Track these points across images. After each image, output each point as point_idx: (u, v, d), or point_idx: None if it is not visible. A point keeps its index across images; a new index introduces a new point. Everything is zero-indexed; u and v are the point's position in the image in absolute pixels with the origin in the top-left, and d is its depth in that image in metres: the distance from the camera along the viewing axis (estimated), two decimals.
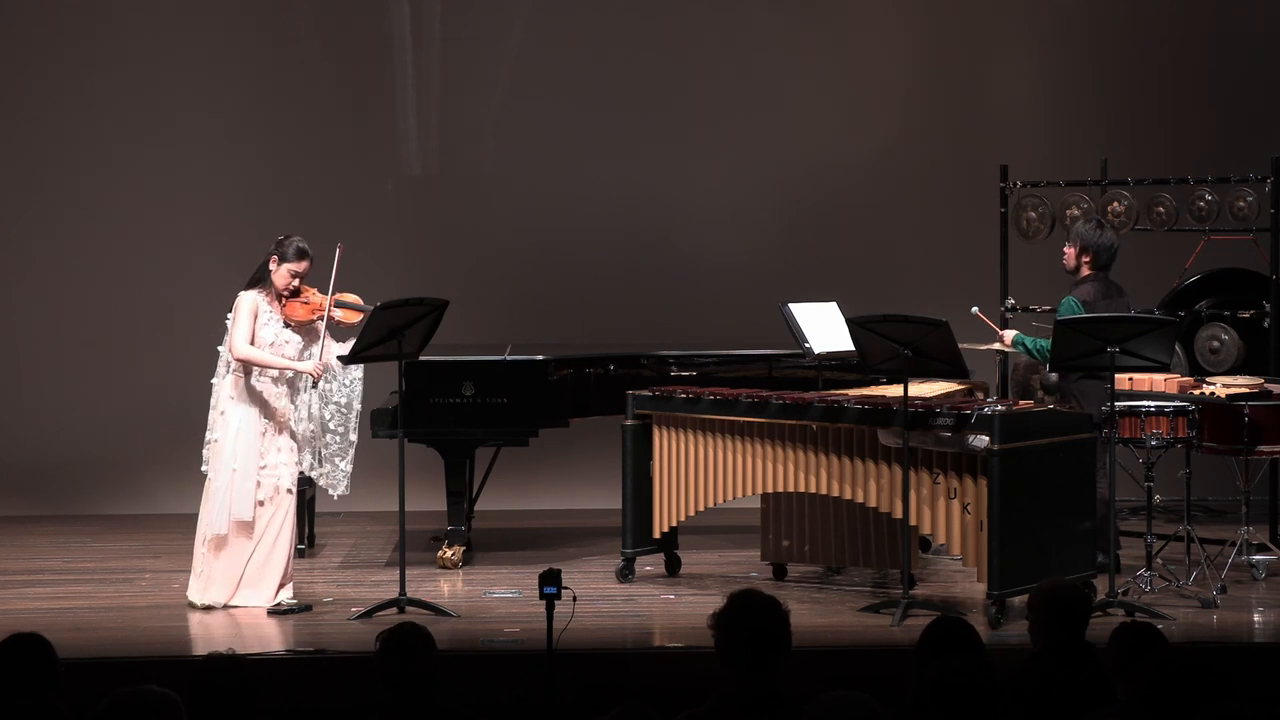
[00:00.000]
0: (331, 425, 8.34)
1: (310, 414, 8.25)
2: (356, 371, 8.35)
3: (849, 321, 8.14)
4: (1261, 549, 8.88)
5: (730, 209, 11.40)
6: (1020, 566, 7.61)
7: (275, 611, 8.01)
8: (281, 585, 8.08)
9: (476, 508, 9.85)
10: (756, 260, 11.25)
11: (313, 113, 11.24)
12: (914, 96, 11.55)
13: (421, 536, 9.54)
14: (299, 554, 9.37)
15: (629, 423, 8.75)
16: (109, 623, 7.91)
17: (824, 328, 8.92)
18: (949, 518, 7.78)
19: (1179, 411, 8.29)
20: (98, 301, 11.11)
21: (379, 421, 9.16)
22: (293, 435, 8.17)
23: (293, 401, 8.18)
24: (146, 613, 8.10)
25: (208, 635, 7.66)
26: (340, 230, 11.00)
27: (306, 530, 9.56)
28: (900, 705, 4.37)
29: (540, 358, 9.21)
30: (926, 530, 7.93)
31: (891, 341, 7.81)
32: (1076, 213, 9.84)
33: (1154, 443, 8.23)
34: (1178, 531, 8.66)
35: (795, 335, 8.90)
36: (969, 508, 7.71)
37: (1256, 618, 8.04)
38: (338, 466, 8.35)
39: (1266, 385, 8.73)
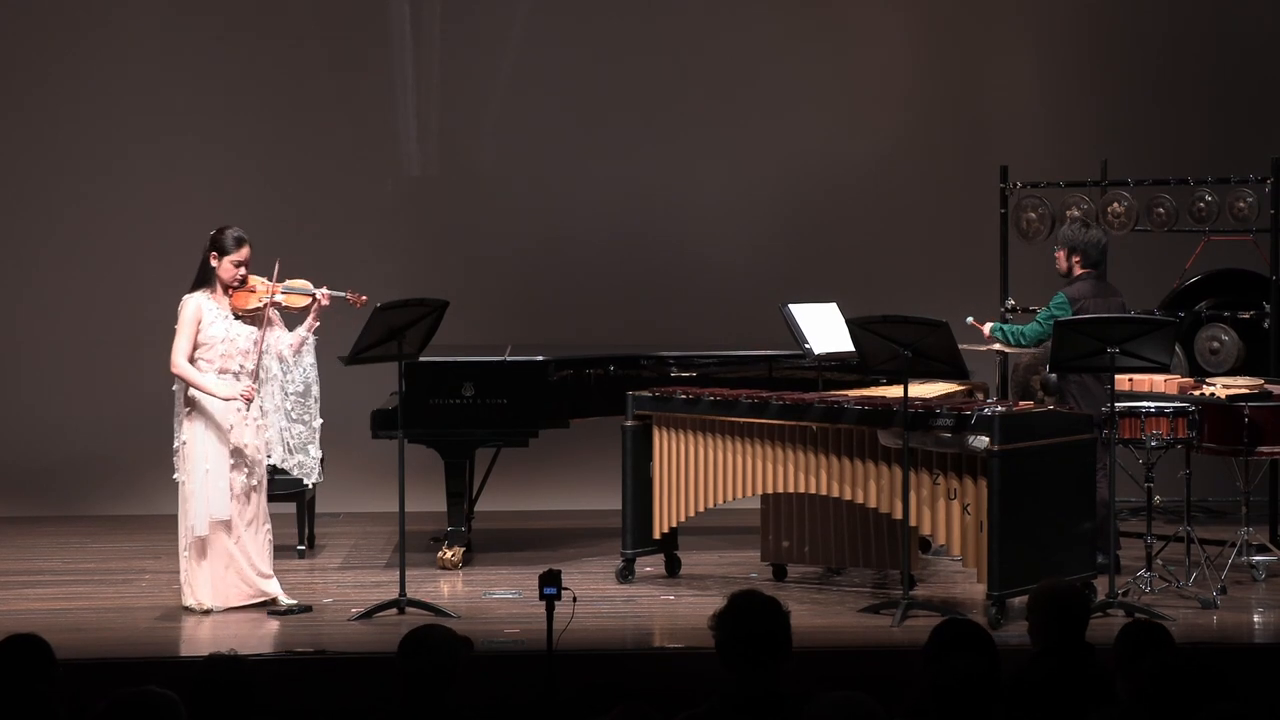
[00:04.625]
0: (294, 415, 8.25)
1: (274, 405, 8.20)
2: (309, 356, 8.25)
3: (849, 322, 8.14)
4: (1261, 550, 8.89)
5: (730, 209, 11.40)
6: (1020, 567, 7.61)
7: (275, 612, 8.01)
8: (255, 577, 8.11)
9: (476, 508, 9.86)
10: (756, 260, 11.25)
11: (312, 113, 11.23)
12: (914, 97, 11.55)
13: (421, 537, 9.54)
14: (299, 554, 9.40)
15: (629, 423, 8.75)
16: (109, 623, 7.92)
17: (824, 328, 8.92)
18: (949, 518, 7.78)
19: (1179, 412, 8.28)
20: (98, 302, 11.10)
21: (379, 422, 9.16)
22: (257, 430, 8.14)
23: (258, 395, 8.13)
24: (146, 613, 8.11)
25: (208, 636, 7.66)
26: (340, 230, 11.08)
27: (306, 530, 9.56)
28: (900, 705, 4.38)
29: (540, 358, 9.21)
30: (926, 531, 7.93)
31: (891, 342, 7.81)
32: (1076, 213, 9.83)
33: (1154, 443, 8.23)
34: (1178, 532, 8.66)
35: (795, 336, 8.90)
36: (969, 508, 7.71)
37: (1256, 618, 8.04)
38: (309, 455, 8.24)
39: (1266, 386, 8.73)
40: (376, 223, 11.25)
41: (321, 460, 8.38)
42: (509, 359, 9.18)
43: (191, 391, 8.06)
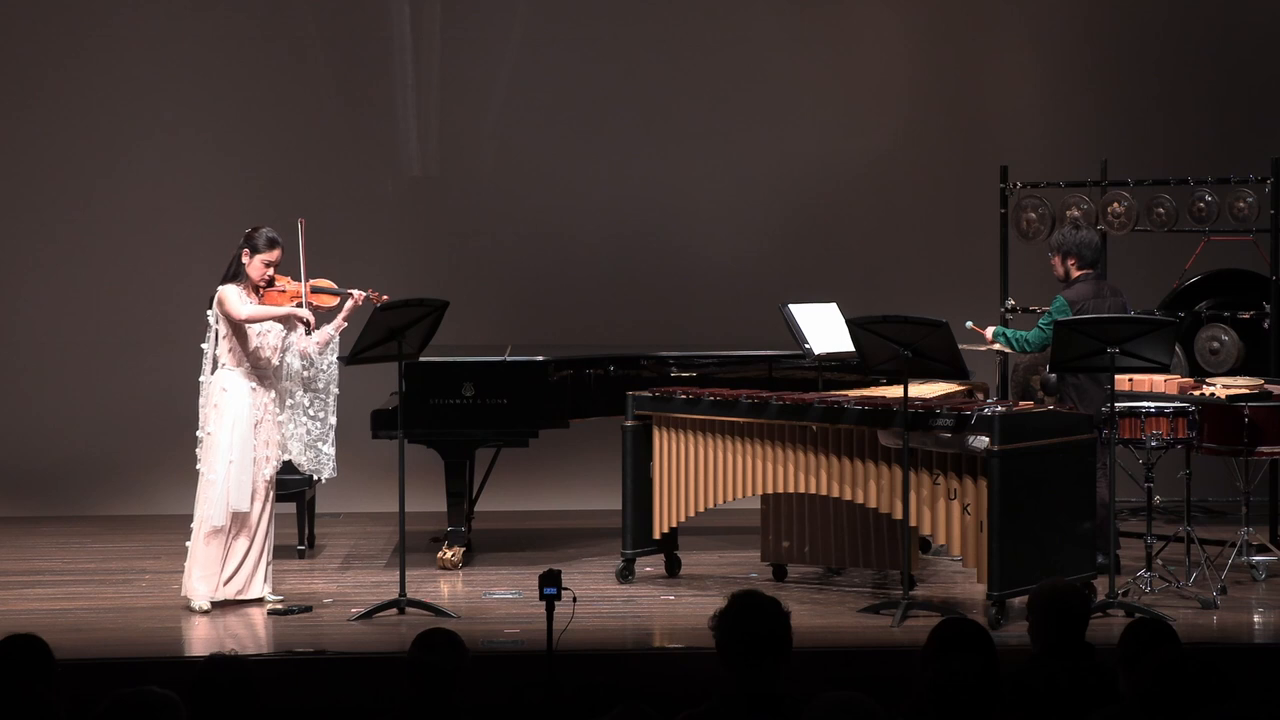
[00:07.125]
0: (311, 411, 8.28)
1: (294, 401, 8.24)
2: (332, 354, 8.30)
3: (849, 322, 8.14)
4: (1261, 550, 8.89)
5: (730, 209, 11.39)
6: (1020, 567, 7.61)
7: (275, 612, 8.02)
8: (263, 578, 8.12)
9: (476, 508, 9.85)
10: (756, 260, 11.24)
11: (313, 114, 11.24)
12: (914, 97, 11.54)
13: (422, 537, 9.54)
14: (299, 554, 9.40)
15: (629, 423, 8.74)
16: (109, 623, 7.91)
17: (824, 328, 8.92)
18: (949, 518, 7.78)
19: (1179, 412, 8.29)
20: (98, 302, 11.10)
21: (379, 422, 9.16)
22: (276, 427, 8.18)
23: (276, 391, 8.18)
24: (146, 613, 8.11)
25: (207, 636, 7.67)
26: (340, 231, 11.07)
27: (306, 530, 9.56)
28: (900, 705, 4.37)
29: (540, 358, 9.20)
30: (926, 531, 7.93)
31: (891, 342, 7.81)
32: (1076, 213, 9.83)
33: (1154, 443, 8.23)
34: (1178, 532, 8.66)
35: (795, 336, 8.90)
36: (969, 508, 7.71)
37: (1256, 618, 8.04)
38: (321, 451, 8.28)
39: (1266, 386, 8.73)
40: (376, 223, 11.24)
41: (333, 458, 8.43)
42: (509, 359, 9.19)
43: (223, 384, 8.06)
